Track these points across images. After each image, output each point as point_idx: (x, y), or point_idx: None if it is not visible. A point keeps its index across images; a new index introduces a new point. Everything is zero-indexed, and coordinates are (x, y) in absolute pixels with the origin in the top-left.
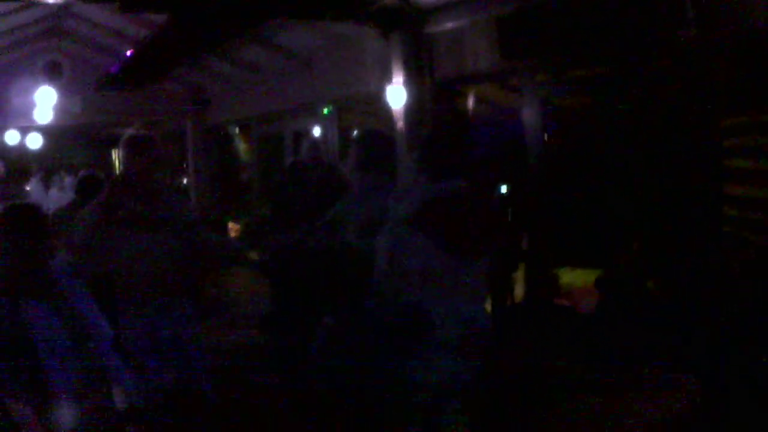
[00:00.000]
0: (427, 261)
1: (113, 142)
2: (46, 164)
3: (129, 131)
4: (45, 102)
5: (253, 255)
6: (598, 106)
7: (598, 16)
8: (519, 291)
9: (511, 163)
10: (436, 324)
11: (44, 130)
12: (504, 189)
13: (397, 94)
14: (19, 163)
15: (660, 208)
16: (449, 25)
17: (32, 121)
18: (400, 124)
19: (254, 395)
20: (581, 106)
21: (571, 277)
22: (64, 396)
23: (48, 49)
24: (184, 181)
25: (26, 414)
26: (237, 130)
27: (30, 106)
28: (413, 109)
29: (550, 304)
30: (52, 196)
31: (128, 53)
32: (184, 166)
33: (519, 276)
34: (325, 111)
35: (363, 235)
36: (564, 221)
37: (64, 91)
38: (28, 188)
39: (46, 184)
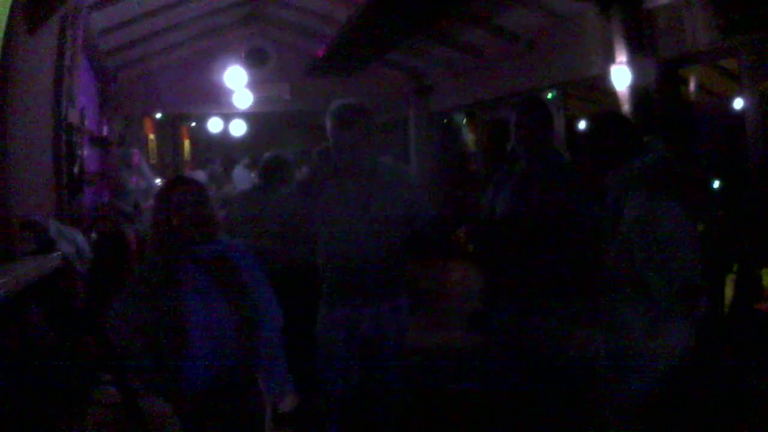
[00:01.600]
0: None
1: (325, 130)
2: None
3: (338, 101)
4: (237, 84)
5: (470, 248)
6: None
7: None
8: (729, 293)
9: (726, 158)
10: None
11: (251, 117)
12: (717, 184)
13: (620, 75)
14: (225, 150)
15: None
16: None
17: (234, 108)
18: (625, 107)
19: (446, 403)
20: None
21: None
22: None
23: (250, 35)
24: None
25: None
26: (464, 119)
27: (230, 93)
28: (638, 90)
29: (751, 308)
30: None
31: (334, 37)
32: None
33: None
34: (549, 96)
35: None
36: None
37: (271, 78)
38: (233, 174)
39: (251, 170)
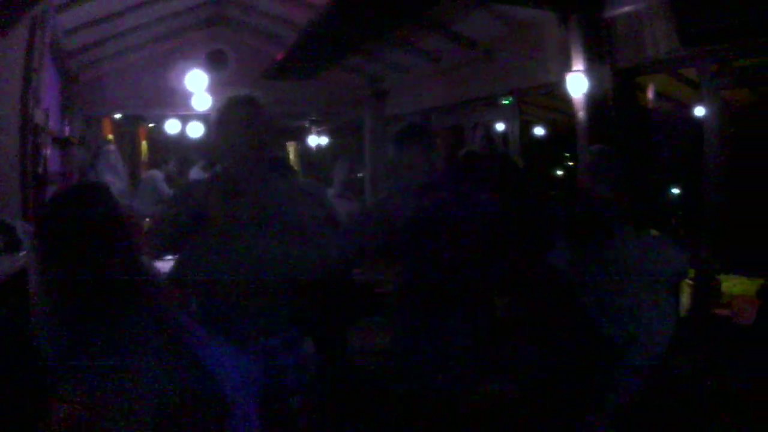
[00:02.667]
0: None
1: (286, 134)
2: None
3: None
4: (198, 88)
5: None
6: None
7: None
8: (686, 299)
9: (685, 164)
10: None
11: (208, 119)
12: (676, 191)
13: (577, 82)
14: (182, 151)
15: None
16: (627, 8)
17: (192, 109)
18: (580, 114)
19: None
20: (744, 100)
21: (729, 285)
22: None
23: (210, 38)
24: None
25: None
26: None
27: (190, 95)
28: (594, 98)
29: (709, 313)
30: None
31: (294, 41)
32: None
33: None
34: (505, 102)
35: None
36: (733, 225)
37: (230, 80)
38: (190, 176)
39: (207, 172)
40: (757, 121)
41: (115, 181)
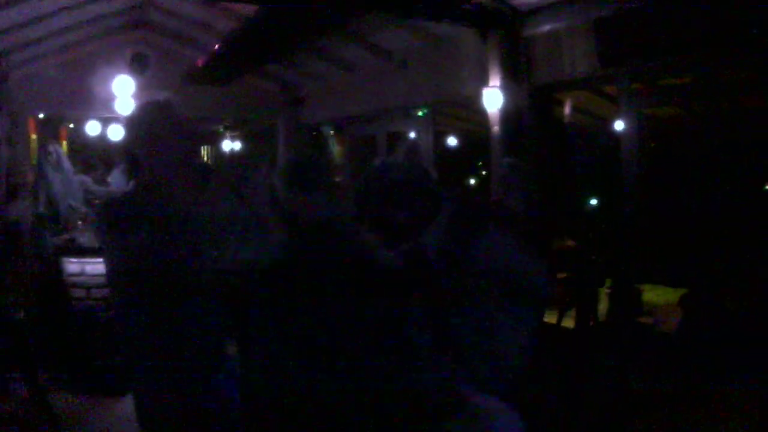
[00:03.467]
0: None
1: (203, 138)
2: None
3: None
4: (124, 92)
5: None
6: (693, 116)
7: (698, 20)
8: (604, 307)
9: (603, 176)
10: None
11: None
12: (594, 202)
13: (493, 97)
14: (102, 154)
15: (752, 225)
16: (547, 27)
17: (114, 112)
18: (495, 128)
19: None
20: (674, 116)
21: (653, 295)
22: None
23: (133, 41)
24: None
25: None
26: (332, 131)
27: (112, 97)
28: (509, 113)
29: (632, 322)
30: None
31: (216, 47)
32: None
33: (606, 292)
34: (420, 113)
35: None
36: (651, 237)
37: (152, 84)
38: (109, 179)
39: (129, 175)
40: (682, 136)
41: (56, 182)
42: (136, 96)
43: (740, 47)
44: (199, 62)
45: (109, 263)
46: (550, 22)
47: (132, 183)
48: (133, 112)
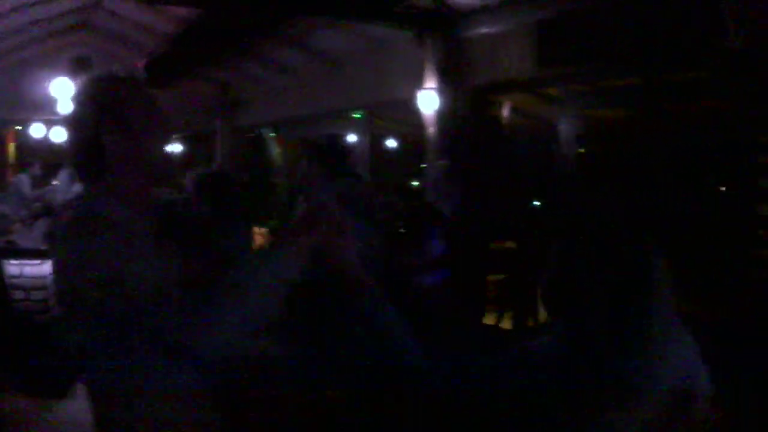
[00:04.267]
0: None
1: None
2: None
3: None
4: (63, 94)
5: None
6: (633, 117)
7: (637, 23)
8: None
9: (545, 177)
10: None
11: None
12: (537, 203)
13: (428, 99)
14: (48, 156)
15: (693, 228)
16: (485, 29)
17: (57, 114)
18: (430, 129)
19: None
20: (615, 118)
21: None
22: None
23: (76, 43)
24: None
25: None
26: (271, 133)
27: (54, 99)
28: (445, 115)
29: None
30: (76, 190)
31: (154, 50)
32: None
33: None
34: (357, 115)
35: None
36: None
37: None
38: (55, 182)
39: (74, 178)
40: (627, 137)
41: None
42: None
43: (682, 50)
44: (138, 65)
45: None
46: (489, 23)
47: (84, 187)
48: (86, 89)
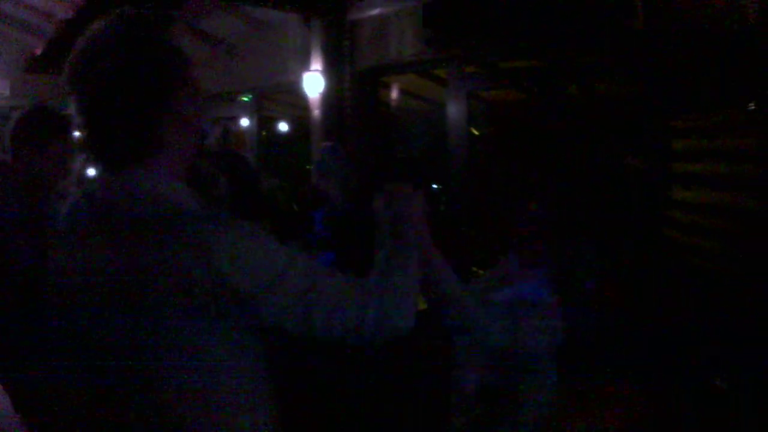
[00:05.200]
0: None
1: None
2: None
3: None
4: None
5: None
6: (532, 100)
7: (534, 3)
8: None
9: (439, 160)
10: None
11: None
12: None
13: (314, 82)
14: None
15: (601, 214)
16: (374, 11)
17: None
18: (315, 112)
19: None
20: (513, 101)
21: None
22: None
23: None
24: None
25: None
26: None
27: None
28: (331, 97)
29: None
30: None
31: (52, 35)
32: None
33: None
34: (245, 98)
35: None
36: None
37: None
38: None
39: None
40: (522, 120)
41: None
42: None
43: (584, 30)
44: (38, 50)
45: None
46: (377, 5)
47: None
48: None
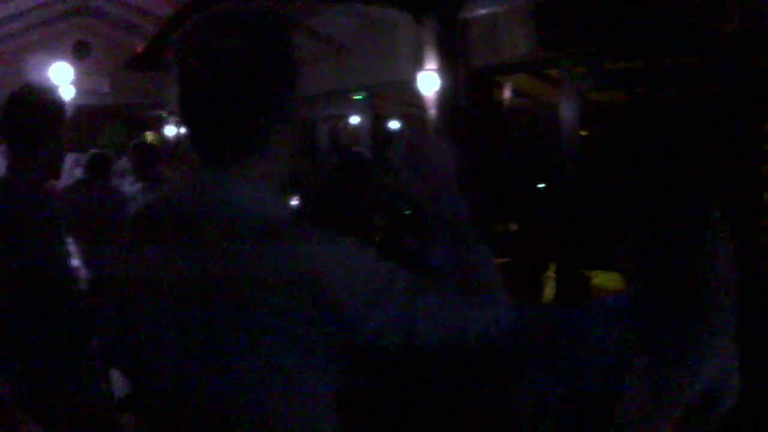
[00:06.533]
0: None
1: (144, 124)
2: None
3: None
4: (62, 79)
5: None
6: (634, 101)
7: (638, 7)
8: (549, 292)
9: (548, 160)
10: None
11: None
12: (541, 186)
13: (429, 81)
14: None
15: (691, 213)
16: (484, 11)
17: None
18: (432, 111)
19: None
20: (617, 101)
21: (604, 280)
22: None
23: (76, 27)
24: None
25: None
26: None
27: (55, 86)
28: (446, 96)
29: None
30: (76, 174)
31: (154, 33)
32: None
33: (550, 276)
34: (358, 97)
35: None
36: (599, 222)
37: (92, 70)
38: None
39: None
40: (627, 121)
41: None
42: (77, 82)
43: (683, 34)
44: (139, 49)
45: None
46: (487, 4)
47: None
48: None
